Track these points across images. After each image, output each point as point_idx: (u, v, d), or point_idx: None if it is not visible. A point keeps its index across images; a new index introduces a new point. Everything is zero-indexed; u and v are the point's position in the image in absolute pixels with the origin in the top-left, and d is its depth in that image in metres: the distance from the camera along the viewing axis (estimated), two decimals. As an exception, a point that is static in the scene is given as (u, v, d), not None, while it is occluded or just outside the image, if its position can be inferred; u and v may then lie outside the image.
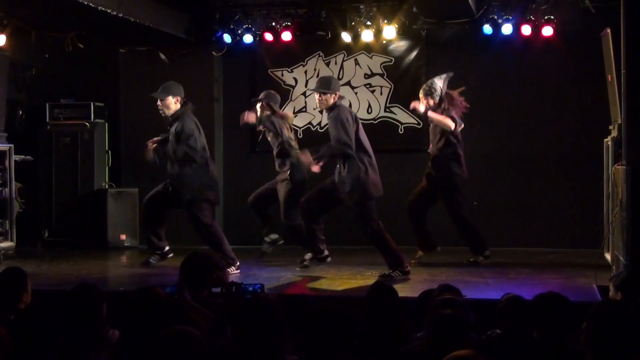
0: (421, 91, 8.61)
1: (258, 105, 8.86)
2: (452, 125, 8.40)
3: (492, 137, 10.16)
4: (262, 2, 10.54)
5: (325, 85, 7.91)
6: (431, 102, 8.51)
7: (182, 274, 4.92)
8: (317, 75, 10.67)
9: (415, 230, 8.73)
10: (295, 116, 10.56)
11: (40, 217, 10.74)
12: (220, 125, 10.97)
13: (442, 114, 8.45)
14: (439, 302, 3.98)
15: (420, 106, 8.58)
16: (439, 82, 8.54)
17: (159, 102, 8.24)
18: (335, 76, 10.57)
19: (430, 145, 8.70)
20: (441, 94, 8.49)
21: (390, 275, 7.61)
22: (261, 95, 8.91)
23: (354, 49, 10.52)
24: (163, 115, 8.28)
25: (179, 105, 8.23)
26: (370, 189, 7.68)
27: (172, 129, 8.15)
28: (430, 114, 8.49)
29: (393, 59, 10.54)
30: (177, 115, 8.18)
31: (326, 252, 8.32)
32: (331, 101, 7.85)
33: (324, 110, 8.13)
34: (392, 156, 9.89)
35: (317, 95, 7.96)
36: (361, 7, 10.11)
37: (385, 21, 10.02)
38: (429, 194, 8.67)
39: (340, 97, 8.02)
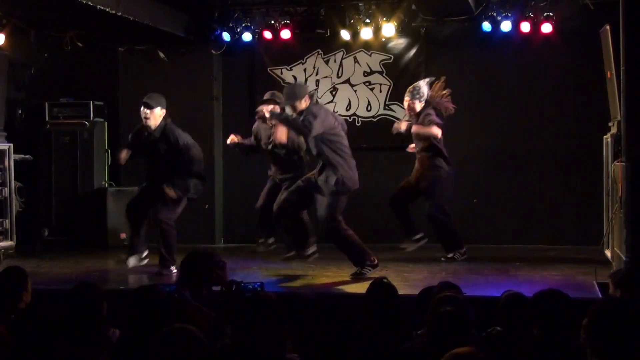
0: (407, 94, 8.63)
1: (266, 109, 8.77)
2: (438, 133, 8.44)
3: (491, 134, 10.17)
4: (261, 1, 10.54)
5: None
6: (418, 105, 8.53)
7: (182, 273, 4.93)
8: (317, 73, 10.70)
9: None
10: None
11: (40, 216, 10.73)
12: (220, 124, 10.97)
13: (424, 118, 8.50)
14: (440, 299, 3.97)
15: (402, 126, 8.67)
16: (425, 86, 8.58)
17: (146, 110, 7.99)
18: (335, 74, 10.59)
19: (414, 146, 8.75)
20: (427, 97, 8.54)
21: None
22: (268, 95, 8.80)
23: (353, 46, 10.51)
24: (145, 124, 8.04)
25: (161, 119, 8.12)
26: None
27: (163, 141, 8.05)
28: (415, 129, 8.55)
29: (392, 57, 10.54)
30: (163, 127, 8.07)
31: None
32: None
33: None
34: (391, 154, 9.91)
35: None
36: (360, 4, 10.10)
37: (384, 19, 10.02)
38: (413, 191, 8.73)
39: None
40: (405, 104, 8.70)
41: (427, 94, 8.56)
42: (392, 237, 9.20)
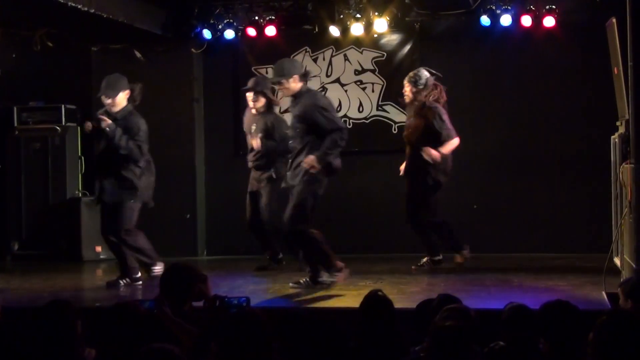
0: (406, 79, 8.52)
1: (250, 96, 8.78)
2: (457, 141, 8.51)
3: (492, 136, 10.18)
4: (244, -5, 10.55)
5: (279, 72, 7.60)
6: (413, 90, 8.45)
7: (162, 287, 4.91)
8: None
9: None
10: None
11: (9, 229, 10.71)
12: (202, 127, 10.95)
13: (428, 112, 8.47)
14: (446, 311, 3.96)
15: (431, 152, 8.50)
16: (426, 73, 8.51)
17: (109, 100, 8.01)
18: (324, 73, 10.57)
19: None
20: (426, 82, 8.45)
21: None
22: (251, 83, 8.79)
23: (343, 43, 10.52)
24: (109, 111, 8.03)
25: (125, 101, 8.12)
26: None
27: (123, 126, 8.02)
28: (443, 150, 8.48)
29: (385, 54, 10.55)
30: (126, 112, 8.07)
31: None
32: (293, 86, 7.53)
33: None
34: (385, 157, 9.91)
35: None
36: (350, -2, 10.13)
37: (376, 13, 10.04)
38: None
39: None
40: (407, 88, 8.49)
41: (428, 80, 8.48)
42: (387, 246, 9.21)
